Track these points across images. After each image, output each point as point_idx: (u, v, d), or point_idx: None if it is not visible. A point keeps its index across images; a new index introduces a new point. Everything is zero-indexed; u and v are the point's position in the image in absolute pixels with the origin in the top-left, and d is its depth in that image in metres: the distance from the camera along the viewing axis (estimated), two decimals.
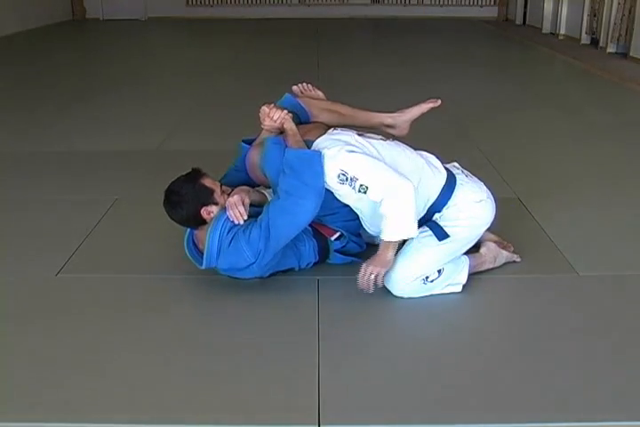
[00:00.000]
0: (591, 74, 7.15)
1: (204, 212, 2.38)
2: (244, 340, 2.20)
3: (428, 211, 2.41)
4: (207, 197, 2.38)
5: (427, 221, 2.42)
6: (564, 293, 2.51)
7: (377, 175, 2.29)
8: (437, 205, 2.41)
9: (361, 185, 2.28)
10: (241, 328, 2.28)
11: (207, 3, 13.15)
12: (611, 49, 8.25)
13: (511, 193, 3.41)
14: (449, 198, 2.41)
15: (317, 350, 2.13)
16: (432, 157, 2.53)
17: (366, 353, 2.13)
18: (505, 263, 2.65)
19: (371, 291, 2.34)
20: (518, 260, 2.68)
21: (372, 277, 2.32)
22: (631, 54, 7.65)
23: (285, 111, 2.46)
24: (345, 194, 2.36)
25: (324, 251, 2.55)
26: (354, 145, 2.39)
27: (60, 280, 2.60)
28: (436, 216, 2.42)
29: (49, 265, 2.69)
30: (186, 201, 2.37)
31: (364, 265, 2.35)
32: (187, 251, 2.48)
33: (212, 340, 2.22)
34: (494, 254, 2.61)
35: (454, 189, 2.43)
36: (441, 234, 2.39)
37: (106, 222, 3.12)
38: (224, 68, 7.53)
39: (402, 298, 2.40)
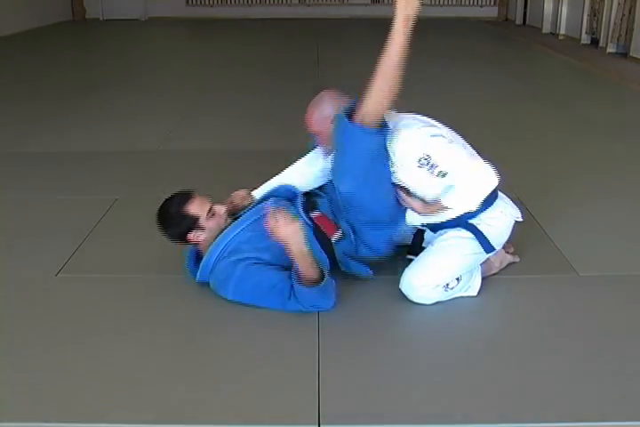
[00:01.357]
0: (591, 74, 7.15)
1: (191, 236, 2.40)
2: (243, 340, 2.20)
3: (463, 213, 2.39)
4: (191, 225, 2.38)
5: (453, 223, 2.41)
6: (564, 293, 2.51)
7: (458, 161, 2.28)
8: (479, 208, 2.39)
9: (440, 171, 2.27)
10: (241, 328, 2.27)
11: (207, 3, 13.14)
12: (611, 49, 8.25)
13: (512, 193, 3.39)
14: (491, 204, 2.41)
15: (317, 350, 2.13)
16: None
17: (366, 353, 2.13)
18: (506, 265, 2.66)
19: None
20: (518, 260, 2.69)
21: (407, 202, 2.36)
22: (631, 54, 7.65)
23: (297, 225, 2.21)
24: (415, 176, 2.33)
25: (327, 251, 2.43)
26: (434, 126, 2.38)
27: (60, 280, 2.60)
28: (474, 221, 2.40)
29: (49, 265, 2.70)
30: (171, 226, 2.41)
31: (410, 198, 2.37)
32: (186, 261, 2.49)
33: (211, 340, 2.22)
34: (500, 259, 2.62)
35: (497, 196, 2.44)
36: (488, 246, 2.40)
37: (106, 222, 3.12)
38: (224, 68, 7.53)
39: (403, 298, 2.40)
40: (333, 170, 2.38)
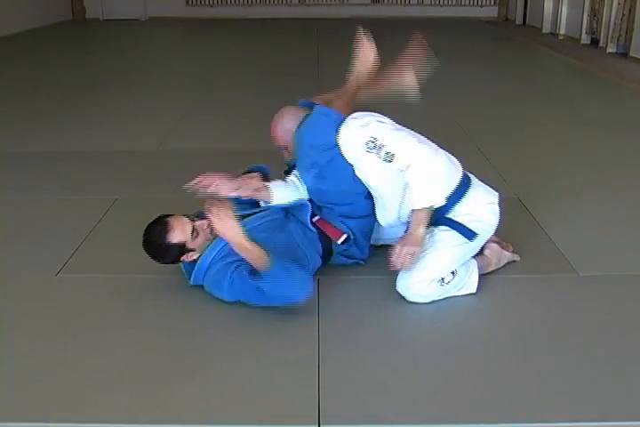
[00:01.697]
0: (591, 74, 7.15)
1: (184, 258, 2.39)
2: (243, 340, 2.20)
3: (439, 208, 2.38)
4: (181, 251, 2.36)
5: (437, 219, 2.41)
6: (564, 293, 2.51)
7: (404, 143, 2.30)
8: (450, 201, 2.39)
9: (387, 153, 2.28)
10: (240, 328, 2.27)
11: (207, 3, 13.14)
12: (611, 49, 8.25)
13: (511, 193, 3.40)
14: (462, 196, 2.41)
15: (317, 350, 2.13)
16: (451, 156, 2.53)
17: (366, 353, 2.13)
18: (505, 263, 2.66)
19: (408, 270, 2.35)
20: (518, 259, 2.69)
21: (409, 257, 2.33)
22: (631, 54, 7.65)
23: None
24: (368, 166, 2.35)
25: (327, 255, 2.55)
26: (385, 119, 2.41)
27: (60, 280, 2.60)
28: (451, 215, 2.41)
29: (49, 265, 2.70)
30: (161, 257, 2.41)
31: (397, 246, 2.34)
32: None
33: (211, 340, 2.22)
34: (498, 256, 2.62)
35: (469, 187, 2.44)
36: (468, 233, 2.40)
37: (106, 222, 3.12)
38: (224, 68, 7.53)
39: (402, 298, 2.40)
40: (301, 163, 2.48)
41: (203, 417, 1.85)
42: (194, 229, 2.35)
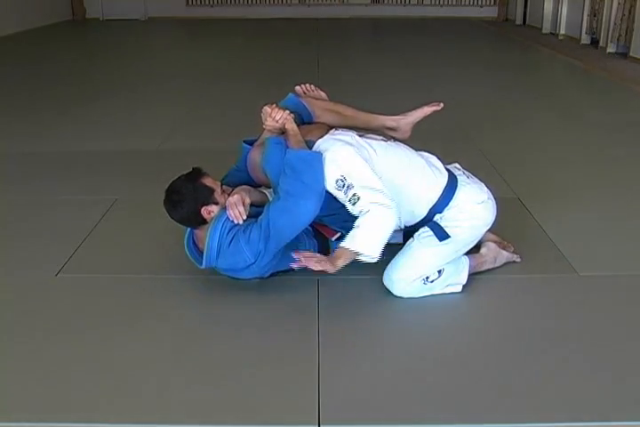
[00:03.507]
0: (591, 74, 7.15)
1: (204, 211, 2.38)
2: (243, 340, 2.21)
3: (429, 211, 2.41)
4: (207, 197, 2.38)
5: (427, 221, 2.42)
6: (564, 293, 2.51)
7: (369, 187, 2.28)
8: (439, 206, 2.42)
9: (354, 194, 2.27)
10: (241, 328, 2.27)
11: (207, 3, 13.15)
12: (611, 49, 8.26)
13: (511, 193, 3.41)
14: (450, 199, 2.42)
15: (317, 349, 2.13)
16: (433, 158, 2.53)
17: (366, 353, 2.13)
18: (505, 263, 2.65)
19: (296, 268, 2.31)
20: (518, 260, 2.68)
21: (313, 261, 2.25)
22: (631, 54, 7.65)
23: (287, 112, 2.45)
24: (339, 198, 2.36)
25: (324, 251, 2.55)
26: (353, 145, 2.39)
27: (60, 280, 2.60)
28: (437, 217, 2.42)
29: (49, 265, 2.69)
30: (186, 200, 2.37)
31: (318, 255, 2.32)
32: (187, 250, 2.48)
33: (211, 340, 2.22)
34: (494, 255, 2.61)
35: (456, 189, 2.44)
36: (441, 234, 2.39)
37: (106, 222, 3.12)
38: (224, 68, 7.54)
39: (402, 298, 2.40)
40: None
41: (203, 417, 1.85)
42: (221, 186, 2.45)
